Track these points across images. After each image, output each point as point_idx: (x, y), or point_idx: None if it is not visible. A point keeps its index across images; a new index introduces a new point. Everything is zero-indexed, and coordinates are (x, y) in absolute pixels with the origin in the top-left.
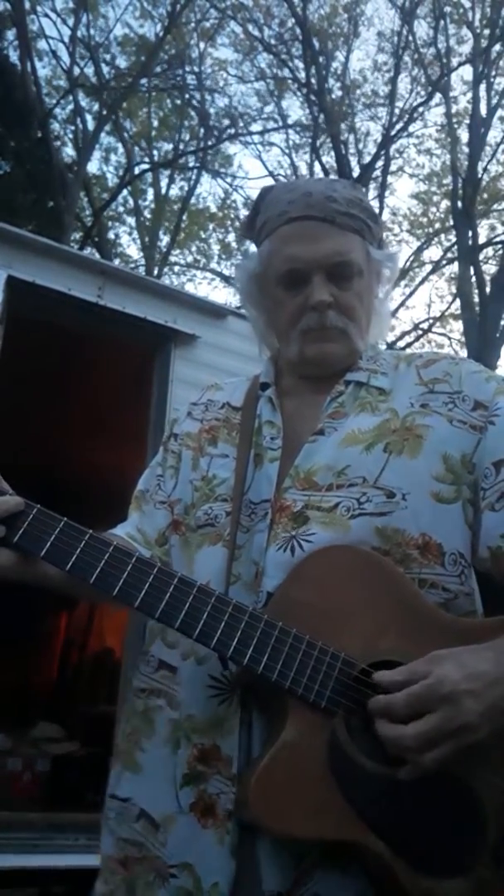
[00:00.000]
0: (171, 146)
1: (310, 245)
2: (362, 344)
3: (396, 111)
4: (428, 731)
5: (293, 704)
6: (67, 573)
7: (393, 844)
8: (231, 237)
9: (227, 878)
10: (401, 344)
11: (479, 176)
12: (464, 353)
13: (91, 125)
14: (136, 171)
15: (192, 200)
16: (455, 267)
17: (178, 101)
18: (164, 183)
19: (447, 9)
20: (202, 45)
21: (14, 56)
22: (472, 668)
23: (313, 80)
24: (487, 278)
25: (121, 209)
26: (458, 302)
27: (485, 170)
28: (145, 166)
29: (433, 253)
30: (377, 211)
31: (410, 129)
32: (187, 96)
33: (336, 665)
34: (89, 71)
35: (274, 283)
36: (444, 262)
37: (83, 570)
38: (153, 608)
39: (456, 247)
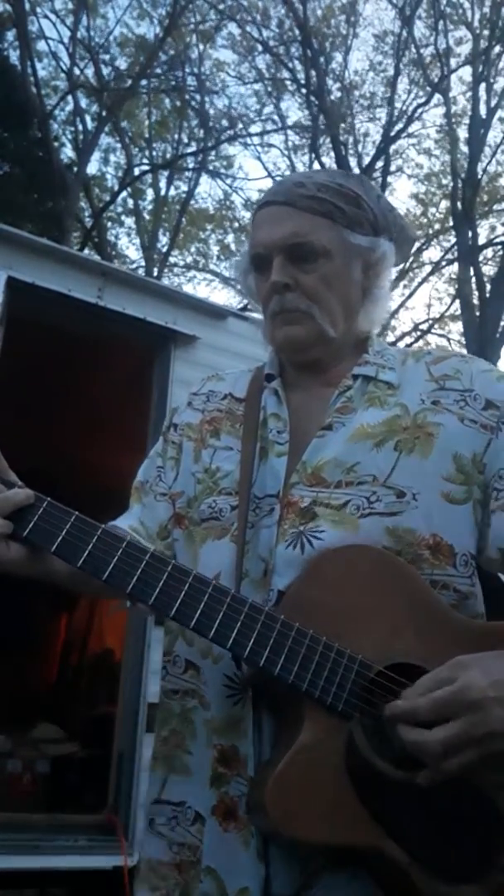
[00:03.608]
0: (170, 147)
1: (270, 228)
2: (334, 329)
3: (396, 112)
4: (453, 736)
5: (309, 707)
6: (79, 569)
7: (410, 850)
8: (230, 238)
9: (257, 883)
10: (401, 345)
11: (479, 177)
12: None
13: (91, 126)
14: (136, 172)
15: (192, 201)
16: (455, 268)
17: (178, 103)
18: (163, 184)
19: (447, 10)
20: (201, 46)
21: (14, 57)
22: (499, 676)
23: (312, 81)
24: (487, 279)
25: (119, 210)
26: (457, 303)
27: (484, 171)
28: (145, 167)
29: (433, 254)
30: None
31: (410, 129)
32: (187, 97)
33: (353, 668)
34: (89, 72)
35: (251, 270)
36: (443, 263)
37: (95, 567)
38: (168, 606)
39: (455, 248)
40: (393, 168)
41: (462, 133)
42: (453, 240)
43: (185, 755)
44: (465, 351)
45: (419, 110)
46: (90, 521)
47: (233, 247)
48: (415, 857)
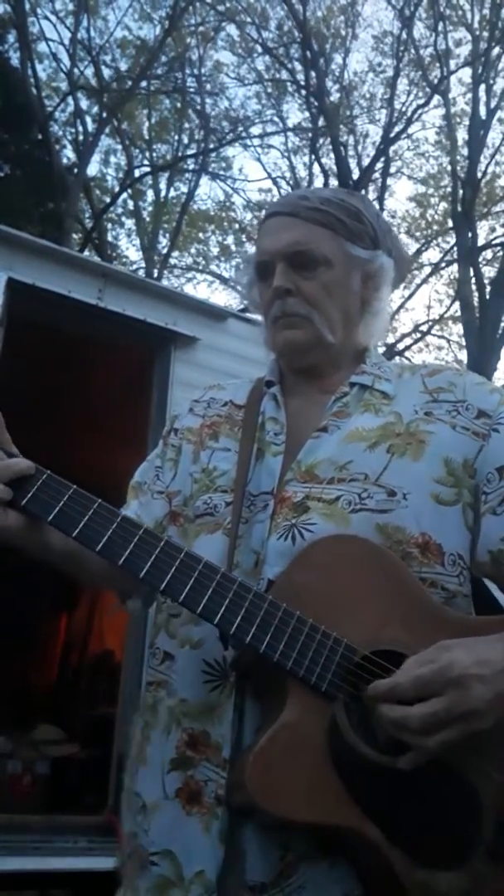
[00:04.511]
0: (171, 149)
1: (274, 237)
2: (332, 336)
3: (395, 113)
4: (434, 713)
5: (293, 687)
6: (74, 539)
7: (389, 833)
8: (230, 239)
9: (213, 866)
10: (400, 346)
11: (479, 178)
12: (463, 354)
13: (91, 127)
14: (136, 173)
15: (192, 203)
16: (454, 269)
17: (178, 104)
18: (163, 185)
19: (447, 11)
20: (202, 48)
21: (15, 58)
22: (482, 655)
23: (312, 83)
24: (487, 281)
25: (120, 211)
26: (457, 304)
27: (484, 172)
28: (145, 169)
29: (432, 255)
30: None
31: (409, 130)
32: (187, 99)
33: (338, 650)
34: (89, 73)
35: (256, 280)
36: (443, 264)
37: (89, 538)
38: (158, 580)
39: (455, 249)
40: (392, 169)
41: (462, 134)
42: (453, 241)
43: (148, 745)
44: (465, 352)
45: (419, 111)
46: (87, 495)
47: (233, 248)
48: (394, 841)
